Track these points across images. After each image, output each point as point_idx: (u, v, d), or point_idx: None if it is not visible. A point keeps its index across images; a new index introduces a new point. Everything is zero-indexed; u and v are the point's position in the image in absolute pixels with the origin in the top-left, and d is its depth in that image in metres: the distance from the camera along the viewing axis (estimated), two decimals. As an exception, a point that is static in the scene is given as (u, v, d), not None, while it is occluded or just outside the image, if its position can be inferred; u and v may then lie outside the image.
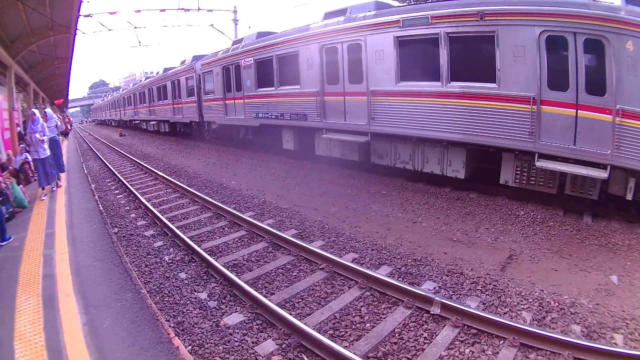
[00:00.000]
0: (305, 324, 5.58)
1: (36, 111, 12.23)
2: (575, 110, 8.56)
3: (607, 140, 8.13)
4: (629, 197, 8.53)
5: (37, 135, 11.56)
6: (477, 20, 9.67)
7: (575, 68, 8.47)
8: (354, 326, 5.77)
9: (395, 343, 5.34)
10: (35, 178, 14.21)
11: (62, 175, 14.50)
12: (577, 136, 8.59)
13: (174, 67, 30.45)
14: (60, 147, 13.47)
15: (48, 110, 14.04)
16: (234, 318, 6.04)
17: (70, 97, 72.18)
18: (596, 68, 8.27)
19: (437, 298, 5.92)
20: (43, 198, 11.92)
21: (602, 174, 8.28)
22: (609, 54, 7.94)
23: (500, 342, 5.18)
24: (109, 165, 20.70)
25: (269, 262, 7.94)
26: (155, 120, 36.35)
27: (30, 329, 5.12)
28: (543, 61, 8.85)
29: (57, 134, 13.59)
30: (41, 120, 12.02)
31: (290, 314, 5.84)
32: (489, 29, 9.55)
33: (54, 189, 13.11)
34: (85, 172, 17.48)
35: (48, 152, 12.10)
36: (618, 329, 5.41)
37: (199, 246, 8.55)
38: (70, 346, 4.77)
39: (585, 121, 8.44)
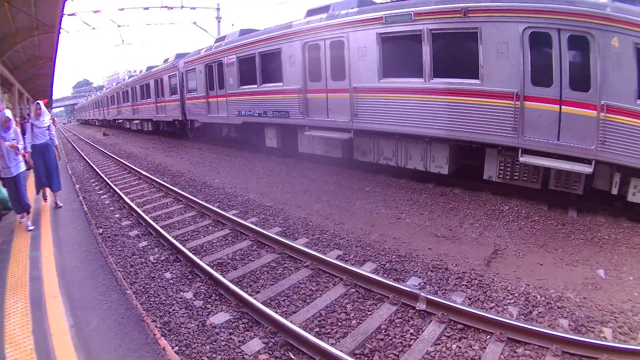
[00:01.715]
0: (291, 322, 5.50)
1: (8, 113, 9.23)
2: (559, 106, 8.59)
3: (592, 136, 8.17)
4: (615, 191, 8.58)
5: (7, 143, 8.67)
6: (461, 17, 9.66)
7: (559, 64, 8.50)
8: (340, 323, 5.70)
9: (381, 339, 5.28)
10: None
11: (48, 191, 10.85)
12: (561, 131, 8.62)
13: (157, 66, 30.23)
14: (56, 157, 10.33)
15: (40, 102, 10.22)
16: (219, 317, 5.95)
17: (54, 97, 71.18)
18: (580, 64, 8.32)
19: (422, 294, 5.86)
20: (30, 228, 8.99)
21: (587, 169, 8.33)
22: (594, 50, 7.97)
23: (487, 337, 5.14)
24: (93, 165, 20.36)
25: (253, 260, 7.83)
26: (138, 119, 35.97)
27: (20, 332, 5.04)
28: (527, 57, 8.88)
29: (50, 139, 10.11)
30: (14, 125, 9.08)
31: (276, 312, 5.77)
32: (472, 25, 9.55)
33: (22, 220, 9.35)
34: (69, 172, 17.14)
35: (23, 167, 9.04)
36: (607, 323, 5.40)
37: (184, 245, 8.41)
38: (59, 348, 4.71)
39: (569, 117, 8.48)
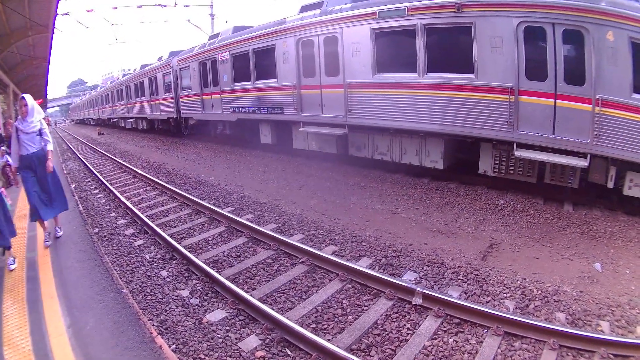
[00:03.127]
0: (287, 318, 5.46)
1: None
2: (553, 100, 8.58)
3: (587, 129, 8.16)
4: (610, 185, 8.59)
5: None
6: (454, 12, 9.64)
7: (553, 58, 8.49)
8: (336, 319, 5.67)
9: (378, 335, 5.26)
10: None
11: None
12: (556, 125, 8.62)
13: (151, 64, 30.09)
14: (55, 171, 8.06)
15: (27, 96, 7.61)
16: (216, 315, 5.90)
17: (49, 97, 70.80)
18: (575, 58, 8.31)
19: (418, 288, 5.84)
20: (12, 267, 6.90)
21: (582, 163, 8.33)
22: (589, 44, 7.96)
23: (484, 331, 5.12)
24: (88, 165, 20.23)
25: (249, 257, 7.79)
26: (133, 118, 35.88)
27: (18, 334, 5.02)
28: (521, 52, 8.86)
29: (43, 147, 7.67)
30: None
31: (273, 309, 5.73)
32: (466, 20, 9.53)
33: (11, 265, 6.95)
34: (65, 172, 17.08)
35: None
36: (604, 316, 5.38)
37: (179, 243, 8.36)
38: (56, 349, 4.71)
39: (564, 111, 8.47)
